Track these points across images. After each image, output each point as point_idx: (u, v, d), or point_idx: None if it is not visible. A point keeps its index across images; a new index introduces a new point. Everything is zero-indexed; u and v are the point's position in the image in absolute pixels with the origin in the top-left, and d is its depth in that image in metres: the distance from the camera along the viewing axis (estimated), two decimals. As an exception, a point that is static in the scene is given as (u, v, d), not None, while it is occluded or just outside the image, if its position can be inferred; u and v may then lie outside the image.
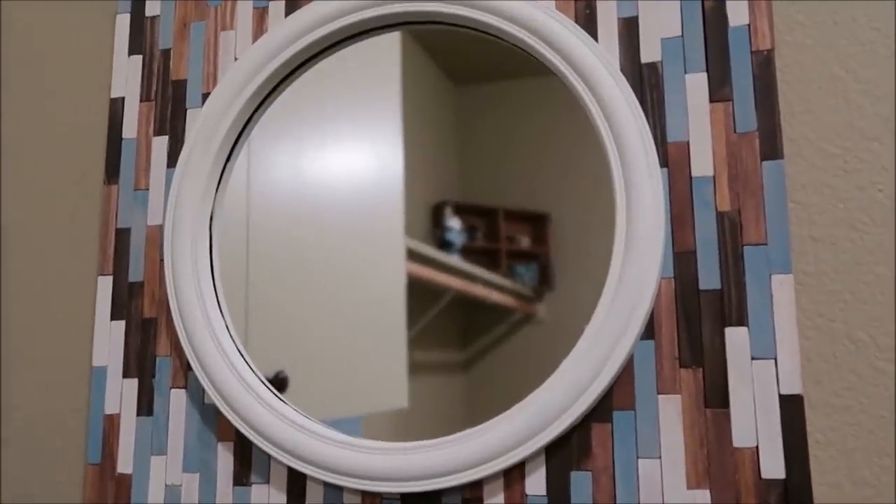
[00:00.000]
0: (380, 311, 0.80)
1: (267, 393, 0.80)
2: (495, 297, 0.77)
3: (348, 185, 0.83)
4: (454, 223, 0.80)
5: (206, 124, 0.87)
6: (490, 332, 0.77)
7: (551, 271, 0.76)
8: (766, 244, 0.71)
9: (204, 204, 0.86)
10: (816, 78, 0.77)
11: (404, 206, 0.81)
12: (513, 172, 0.79)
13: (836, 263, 0.74)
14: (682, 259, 0.73)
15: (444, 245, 0.80)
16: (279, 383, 0.82)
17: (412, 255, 0.80)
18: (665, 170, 0.75)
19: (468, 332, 0.77)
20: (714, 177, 0.74)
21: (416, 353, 0.78)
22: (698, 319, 0.72)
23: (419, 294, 0.79)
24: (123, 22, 0.96)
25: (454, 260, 0.79)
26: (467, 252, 0.79)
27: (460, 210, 0.80)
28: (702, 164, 0.74)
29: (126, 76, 0.95)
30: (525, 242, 0.78)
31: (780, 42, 0.78)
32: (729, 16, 0.75)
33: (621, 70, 0.77)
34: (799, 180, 0.76)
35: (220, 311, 0.84)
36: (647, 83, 0.77)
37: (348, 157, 0.84)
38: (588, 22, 0.79)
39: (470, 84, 0.82)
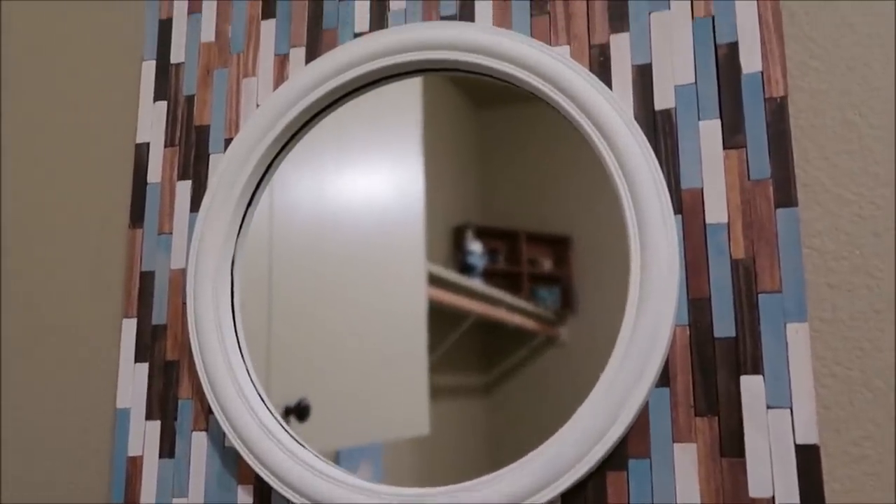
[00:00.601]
0: (401, 337, 0.81)
1: (286, 437, 0.81)
2: (517, 320, 0.78)
3: (370, 209, 0.84)
4: (475, 247, 0.80)
5: (228, 170, 0.89)
6: (513, 355, 0.77)
7: (574, 294, 0.77)
8: (780, 292, 0.71)
9: (225, 249, 0.87)
10: (831, 123, 0.77)
11: (426, 230, 0.82)
12: (534, 195, 0.79)
13: (852, 311, 0.73)
14: (697, 306, 0.73)
15: (466, 269, 0.80)
16: (301, 411, 0.83)
17: (433, 280, 0.81)
18: (679, 216, 0.75)
19: (491, 356, 0.78)
20: (728, 224, 0.74)
21: (439, 377, 0.79)
22: (713, 368, 0.72)
23: (441, 318, 0.80)
24: (149, 68, 0.99)
25: (476, 284, 0.80)
26: (489, 275, 0.80)
27: (482, 233, 0.81)
28: (716, 211, 0.74)
29: (151, 122, 0.97)
30: (547, 265, 0.79)
31: (794, 87, 0.79)
32: (742, 63, 0.76)
33: (635, 117, 0.78)
34: (814, 226, 0.76)
35: (242, 355, 0.85)
36: (660, 130, 0.77)
37: (369, 180, 0.85)
38: (602, 69, 0.80)
39: (491, 107, 0.83)
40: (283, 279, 0.86)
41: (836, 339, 0.73)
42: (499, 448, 0.75)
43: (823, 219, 0.76)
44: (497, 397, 0.77)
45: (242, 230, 0.89)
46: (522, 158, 0.80)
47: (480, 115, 0.83)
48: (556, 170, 0.79)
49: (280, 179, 0.89)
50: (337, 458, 0.81)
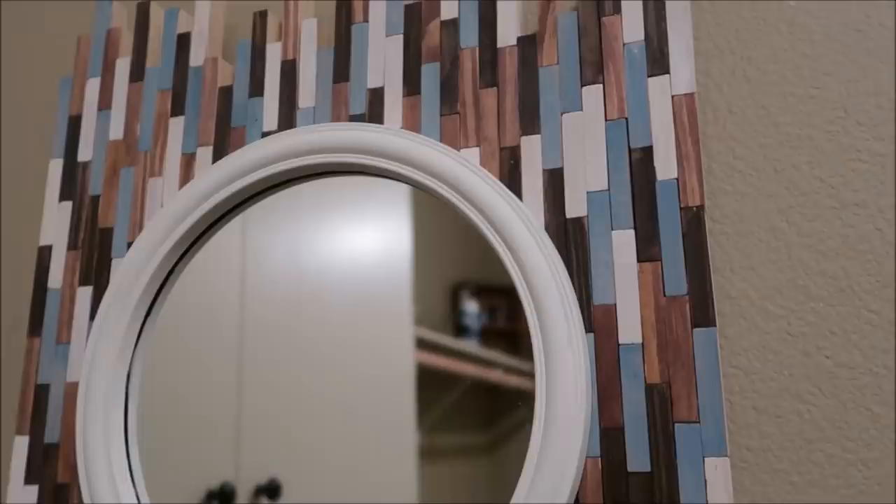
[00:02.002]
0: (386, 406, 0.74)
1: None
2: (514, 381, 0.71)
3: (353, 271, 0.78)
4: (471, 307, 0.74)
5: (125, 276, 0.83)
6: (511, 414, 0.71)
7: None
8: (697, 422, 0.64)
9: (119, 363, 0.81)
10: (757, 230, 0.72)
11: (419, 290, 0.76)
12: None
13: (781, 439, 0.67)
14: (610, 436, 0.67)
15: (461, 330, 0.74)
16: (272, 490, 0.76)
17: (423, 344, 0.74)
18: (591, 335, 0.69)
19: (490, 415, 0.71)
20: (643, 344, 0.68)
21: (433, 439, 0.72)
22: (627, 506, 0.65)
23: (434, 382, 0.73)
24: (56, 167, 0.94)
25: (470, 345, 0.74)
26: (487, 334, 0.74)
27: (481, 291, 0.75)
28: (630, 329, 0.68)
29: (56, 223, 0.92)
30: None
31: (719, 190, 0.73)
32: (657, 169, 0.71)
33: (546, 226, 0.73)
34: (740, 343, 0.70)
35: (133, 482, 0.79)
36: (572, 240, 0.72)
37: (353, 240, 0.79)
38: (512, 173, 0.75)
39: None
40: (255, 348, 0.80)
41: (763, 471, 0.66)
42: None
43: (749, 335, 0.70)
44: (496, 458, 0.70)
45: (140, 343, 0.83)
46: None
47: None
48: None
49: (253, 236, 0.83)
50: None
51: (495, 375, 0.73)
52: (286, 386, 0.78)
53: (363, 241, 0.79)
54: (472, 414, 0.72)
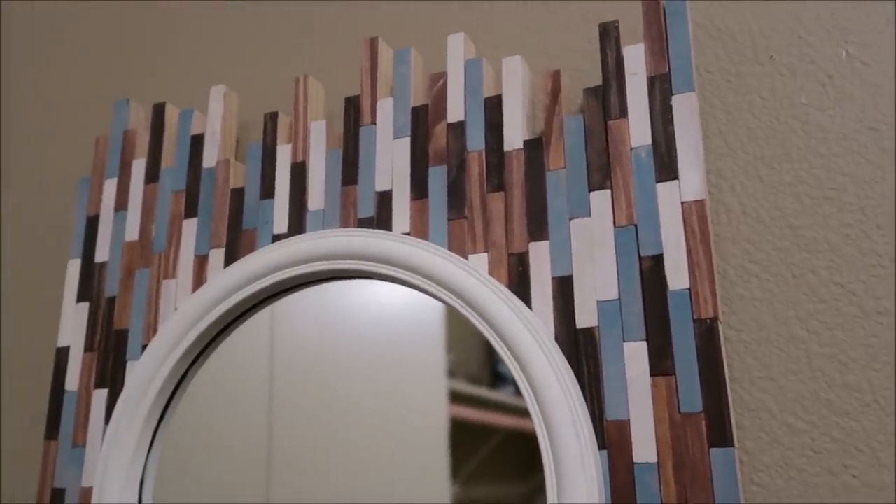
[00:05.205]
0: (420, 461, 0.72)
1: None
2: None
3: (384, 324, 0.77)
4: None
5: (138, 381, 0.83)
6: None
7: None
8: (717, 551, 0.62)
9: (132, 471, 0.81)
10: (776, 338, 0.69)
11: (452, 340, 0.74)
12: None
13: (807, 565, 0.63)
14: (625, 563, 0.64)
15: (497, 377, 0.72)
16: None
17: (457, 397, 0.72)
18: (605, 452, 0.67)
19: (525, 466, 0.69)
20: (658, 464, 0.65)
21: (468, 490, 0.70)
22: None
23: (468, 433, 0.71)
24: (74, 267, 0.95)
25: (506, 395, 0.71)
26: None
27: None
28: (644, 448, 0.66)
29: (73, 325, 0.93)
30: None
31: (735, 296, 0.71)
32: (668, 277, 0.69)
33: (556, 337, 0.71)
34: (761, 460, 0.67)
35: None
36: (583, 352, 0.70)
37: (383, 287, 0.78)
38: (521, 281, 0.74)
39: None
40: (284, 403, 0.79)
41: None
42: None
43: (770, 450, 0.67)
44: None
45: (154, 447, 0.83)
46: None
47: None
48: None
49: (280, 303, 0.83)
50: None
51: (532, 425, 0.70)
52: (317, 441, 0.77)
53: (394, 291, 0.78)
54: (509, 465, 0.70)
